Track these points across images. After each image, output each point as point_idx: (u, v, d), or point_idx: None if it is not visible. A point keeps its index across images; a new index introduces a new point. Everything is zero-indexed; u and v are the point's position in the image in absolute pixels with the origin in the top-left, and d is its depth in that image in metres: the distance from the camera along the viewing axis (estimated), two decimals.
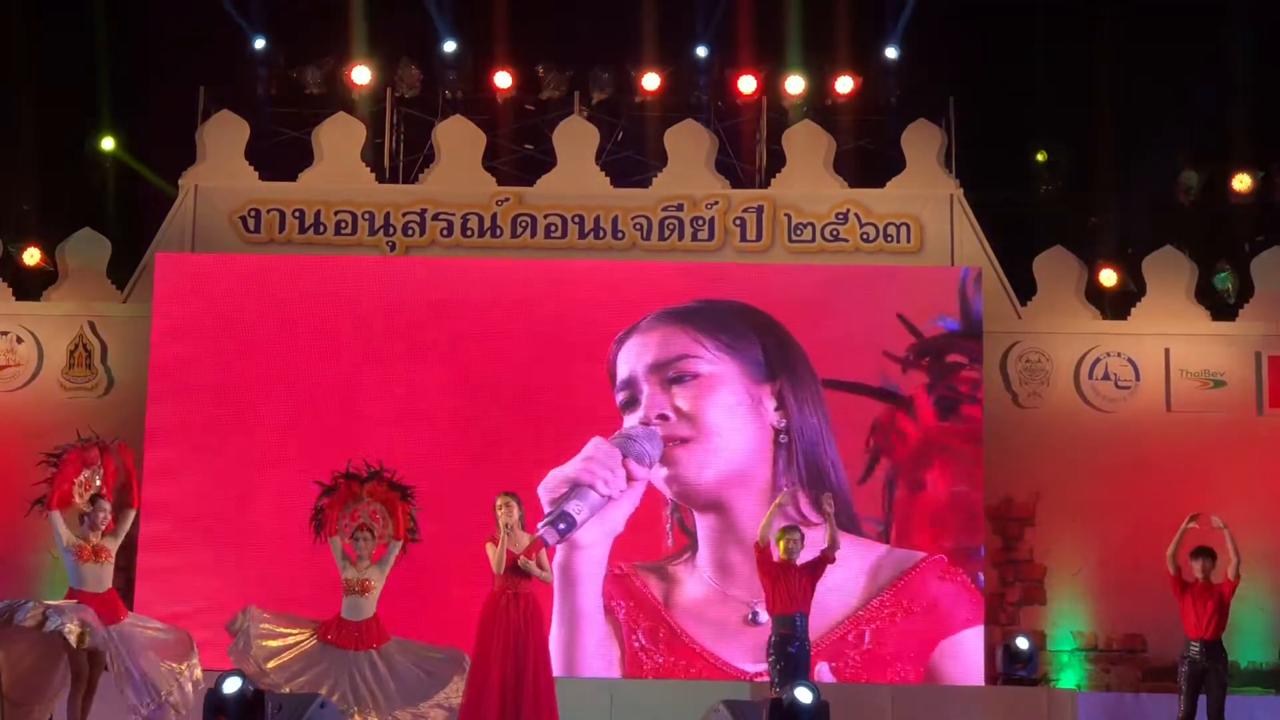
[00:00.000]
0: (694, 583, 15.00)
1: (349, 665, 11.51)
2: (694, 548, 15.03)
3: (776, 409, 15.19)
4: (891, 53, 16.29)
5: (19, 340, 15.71)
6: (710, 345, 15.25)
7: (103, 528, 11.29)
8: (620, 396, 15.21)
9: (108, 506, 11.29)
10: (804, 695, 9.75)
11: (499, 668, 11.38)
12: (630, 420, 15.10)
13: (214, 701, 9.90)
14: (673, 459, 15.03)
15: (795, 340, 15.29)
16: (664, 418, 15.03)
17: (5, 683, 10.55)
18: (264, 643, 11.47)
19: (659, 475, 14.99)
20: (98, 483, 11.42)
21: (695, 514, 15.05)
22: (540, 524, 14.18)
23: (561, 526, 14.36)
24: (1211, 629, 12.63)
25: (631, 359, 15.25)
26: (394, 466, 12.18)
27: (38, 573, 13.72)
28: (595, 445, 14.93)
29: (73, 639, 10.48)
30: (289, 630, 11.66)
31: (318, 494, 12.03)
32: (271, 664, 11.25)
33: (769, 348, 15.28)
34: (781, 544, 12.31)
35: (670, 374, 15.18)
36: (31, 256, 16.07)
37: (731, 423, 15.13)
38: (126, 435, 11.87)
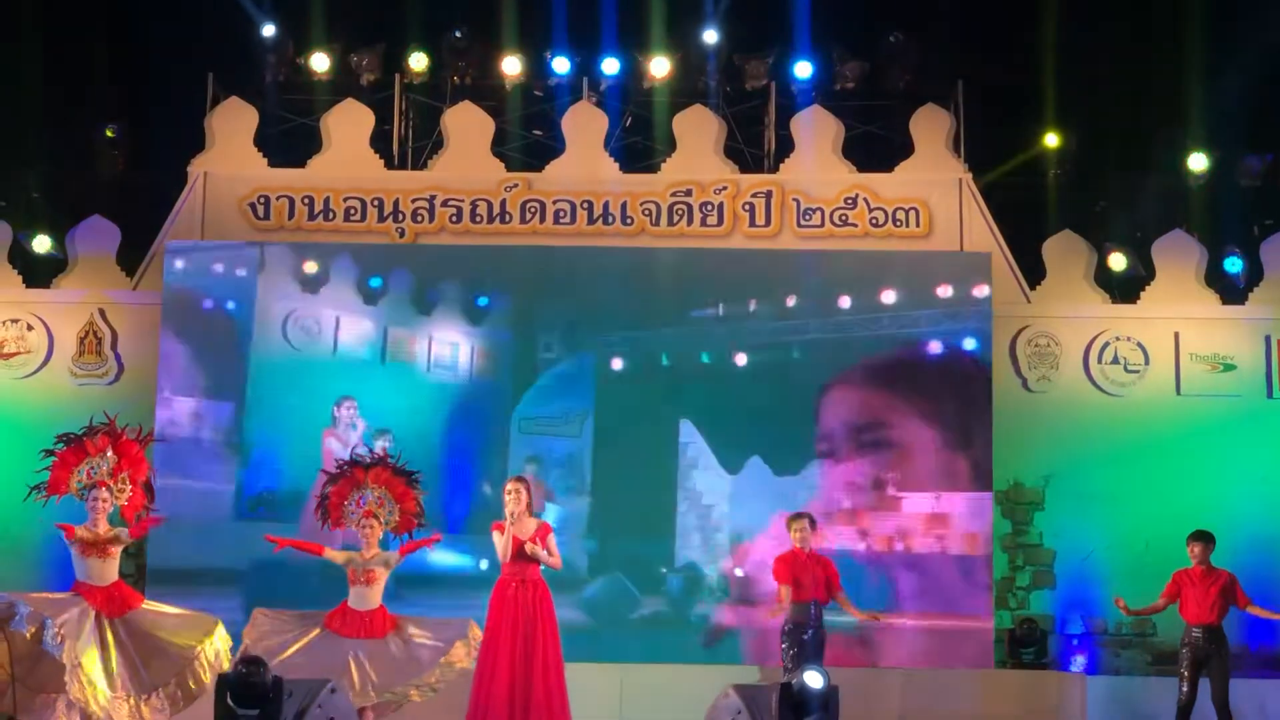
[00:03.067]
0: None
1: (350, 651, 11.47)
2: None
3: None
4: (898, 36, 16.24)
5: (29, 328, 15.75)
6: (907, 413, 15.36)
7: (103, 518, 11.22)
8: (821, 446, 15.38)
9: (103, 494, 11.23)
10: (813, 680, 9.75)
11: (508, 654, 11.37)
12: (824, 469, 15.33)
13: (227, 686, 9.92)
14: (864, 527, 15.27)
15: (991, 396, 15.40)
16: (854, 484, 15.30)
17: (17, 670, 10.55)
18: (264, 643, 11.41)
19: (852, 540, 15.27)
20: (106, 470, 11.36)
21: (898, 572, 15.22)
22: None
23: None
24: (1214, 614, 12.64)
25: (832, 413, 15.43)
26: (402, 452, 12.19)
27: (48, 560, 13.74)
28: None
29: (29, 637, 10.48)
30: (291, 630, 11.63)
31: (323, 482, 12.04)
32: (272, 663, 11.21)
33: (964, 414, 15.39)
34: (794, 533, 12.40)
35: (866, 439, 15.39)
36: (41, 244, 16.10)
37: (925, 491, 15.32)
38: (136, 422, 11.78)
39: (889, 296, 15.43)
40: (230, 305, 15.46)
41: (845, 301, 15.51)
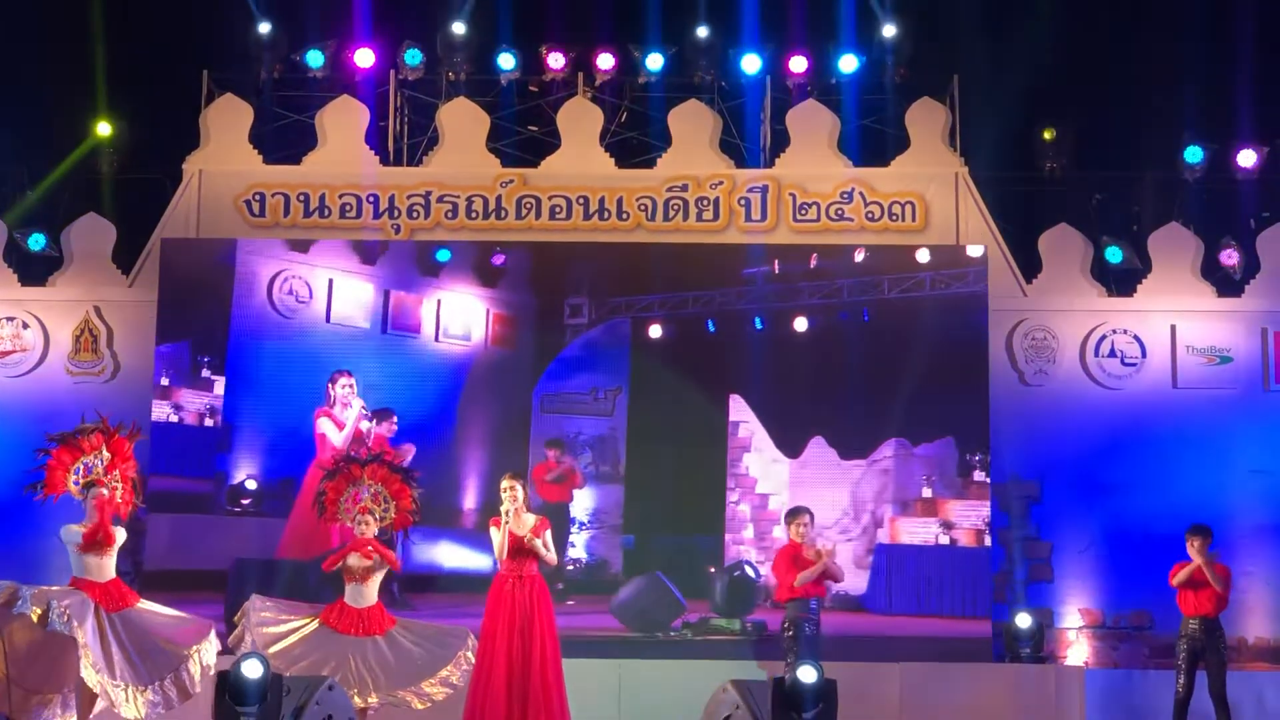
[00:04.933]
0: None
1: (350, 649, 11.51)
2: None
3: None
4: (894, 30, 16.22)
5: (25, 325, 15.73)
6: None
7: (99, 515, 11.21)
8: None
9: (101, 493, 11.22)
10: (806, 675, 9.76)
11: (505, 650, 11.39)
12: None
13: (227, 683, 9.93)
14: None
15: None
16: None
17: (11, 669, 10.54)
18: (264, 629, 11.46)
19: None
20: (101, 468, 11.37)
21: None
22: None
23: None
24: (1210, 607, 12.65)
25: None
26: (398, 447, 12.19)
27: (44, 558, 13.69)
28: None
29: (34, 618, 10.47)
30: (290, 617, 11.66)
31: (319, 477, 12.06)
32: (272, 649, 11.25)
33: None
34: (794, 528, 12.45)
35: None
36: (36, 242, 16.07)
37: None
38: (132, 420, 11.80)
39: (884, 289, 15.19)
40: (225, 302, 15.10)
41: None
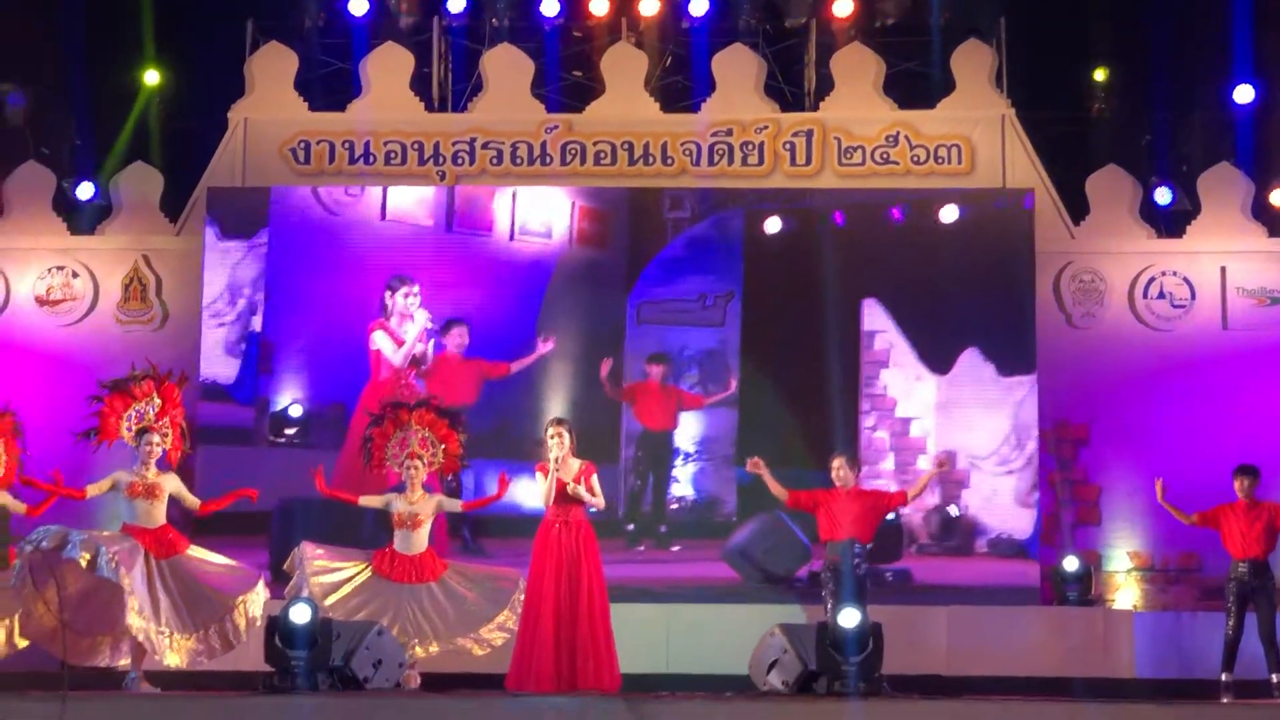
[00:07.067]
0: None
1: (406, 597, 11.54)
2: None
3: None
4: None
5: (74, 275, 15.83)
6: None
7: (153, 461, 11.30)
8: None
9: (155, 439, 11.32)
10: (848, 619, 9.78)
11: (553, 596, 11.37)
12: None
13: (277, 628, 10.02)
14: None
15: None
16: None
17: (65, 614, 10.64)
18: (319, 579, 11.46)
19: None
20: (152, 415, 11.46)
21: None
22: None
23: None
24: (1260, 548, 12.57)
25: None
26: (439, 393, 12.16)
27: (96, 506, 13.80)
28: None
29: (83, 564, 10.55)
30: (343, 565, 11.65)
31: (366, 423, 12.08)
32: (329, 600, 11.28)
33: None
34: (832, 472, 12.22)
35: None
36: (85, 191, 16.15)
37: None
38: (181, 368, 11.90)
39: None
40: (272, 249, 14.80)
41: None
